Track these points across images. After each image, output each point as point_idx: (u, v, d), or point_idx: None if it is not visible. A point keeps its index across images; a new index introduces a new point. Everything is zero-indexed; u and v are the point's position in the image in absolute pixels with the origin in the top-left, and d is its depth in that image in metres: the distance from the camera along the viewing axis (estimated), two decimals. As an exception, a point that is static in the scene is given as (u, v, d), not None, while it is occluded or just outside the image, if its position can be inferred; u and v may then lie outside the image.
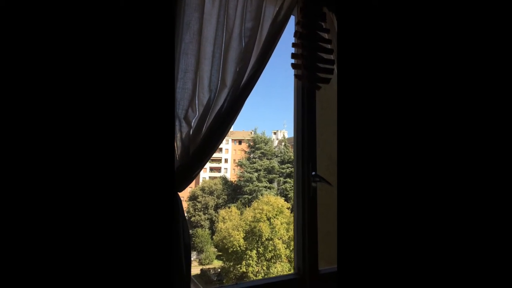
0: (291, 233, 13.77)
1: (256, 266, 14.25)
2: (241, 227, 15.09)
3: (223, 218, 16.46)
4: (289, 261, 13.82)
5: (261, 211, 14.76)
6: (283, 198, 16.70)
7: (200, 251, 18.64)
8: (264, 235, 14.21)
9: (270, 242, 14.21)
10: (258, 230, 14.34)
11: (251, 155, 22.38)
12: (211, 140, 1.09)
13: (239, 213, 16.79)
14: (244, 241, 14.66)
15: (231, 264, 14.87)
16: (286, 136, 24.52)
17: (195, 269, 17.52)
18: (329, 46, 1.47)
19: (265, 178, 21.02)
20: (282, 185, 20.78)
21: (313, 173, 1.37)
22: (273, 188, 20.77)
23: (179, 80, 1.06)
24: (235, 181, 22.41)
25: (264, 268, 14.18)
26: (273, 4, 1.31)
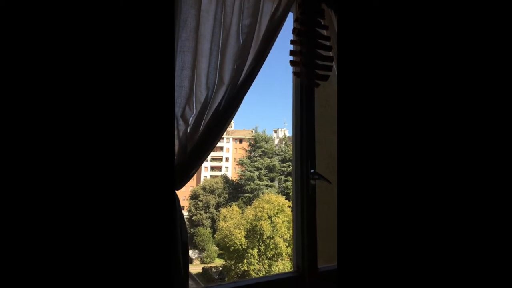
0: (292, 231, 13.78)
1: (258, 264, 14.28)
2: (242, 225, 15.11)
3: (225, 216, 16.49)
4: (291, 260, 13.83)
5: (262, 209, 14.78)
6: (284, 196, 16.71)
7: (201, 250, 18.69)
8: (265, 234, 14.22)
9: (272, 240, 14.23)
10: (259, 228, 14.35)
11: (252, 154, 22.39)
12: (209, 138, 1.09)
13: (240, 212, 16.81)
14: (246, 239, 14.68)
15: (233, 262, 14.90)
16: (287, 135, 24.51)
17: (197, 268, 17.57)
18: (327, 43, 1.46)
19: (266, 176, 21.03)
20: (283, 183, 20.79)
21: (312, 170, 1.36)
22: (274, 186, 20.78)
23: (175, 77, 1.06)
24: (236, 179, 22.44)
25: (266, 266, 14.20)
26: (271, 1, 1.30)
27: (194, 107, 1.09)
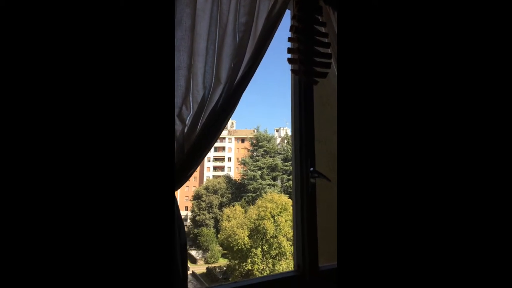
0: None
1: (261, 263, 14.30)
2: (246, 225, 15.14)
3: (228, 216, 16.52)
4: (294, 258, 13.83)
5: (265, 209, 14.79)
6: (287, 195, 16.70)
7: (205, 250, 18.74)
8: (269, 233, 14.24)
9: (275, 239, 14.24)
10: (263, 228, 14.37)
11: (254, 153, 22.41)
12: (207, 138, 1.08)
13: (243, 211, 16.84)
14: (249, 239, 14.71)
15: (237, 262, 14.94)
16: (289, 133, 24.50)
17: (201, 268, 17.62)
18: (326, 40, 1.45)
19: (268, 176, 21.05)
20: (285, 182, 20.80)
21: (312, 169, 1.35)
22: (276, 185, 20.79)
23: (172, 77, 1.05)
24: (238, 179, 22.47)
25: (270, 265, 14.22)
26: (268, -2, 1.29)
27: (191, 106, 1.09)
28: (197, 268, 17.83)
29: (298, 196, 1.37)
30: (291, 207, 14.65)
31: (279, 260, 14.28)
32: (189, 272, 17.05)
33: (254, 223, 14.82)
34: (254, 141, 22.96)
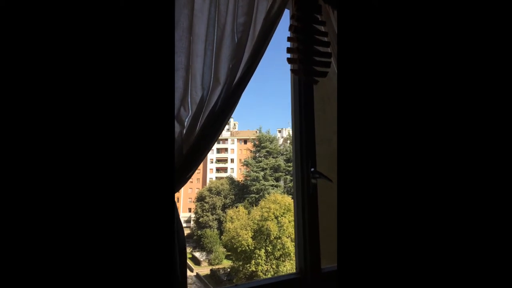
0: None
1: (265, 265, 14.26)
2: (249, 226, 15.11)
3: (231, 218, 16.51)
4: (298, 259, 13.79)
5: (268, 209, 14.77)
6: (290, 196, 16.67)
7: (209, 252, 18.73)
8: (272, 234, 14.21)
9: (279, 240, 14.20)
10: (266, 229, 14.34)
11: (257, 154, 22.41)
12: (206, 139, 1.07)
13: (247, 213, 16.82)
14: (253, 240, 14.68)
15: (241, 263, 14.91)
16: (291, 134, 24.49)
17: (205, 270, 17.61)
18: (325, 39, 1.43)
19: (271, 176, 21.03)
20: (288, 183, 20.76)
21: (312, 169, 1.34)
22: (279, 186, 20.76)
23: (170, 78, 1.04)
24: (241, 180, 22.47)
25: (274, 266, 14.18)
26: (266, -2, 1.28)
27: (190, 108, 1.08)
28: (201, 269, 17.82)
29: (299, 198, 1.35)
30: (294, 208, 14.62)
31: (283, 261, 14.23)
32: (193, 273, 17.06)
33: (258, 224, 14.79)
34: (256, 142, 22.97)
